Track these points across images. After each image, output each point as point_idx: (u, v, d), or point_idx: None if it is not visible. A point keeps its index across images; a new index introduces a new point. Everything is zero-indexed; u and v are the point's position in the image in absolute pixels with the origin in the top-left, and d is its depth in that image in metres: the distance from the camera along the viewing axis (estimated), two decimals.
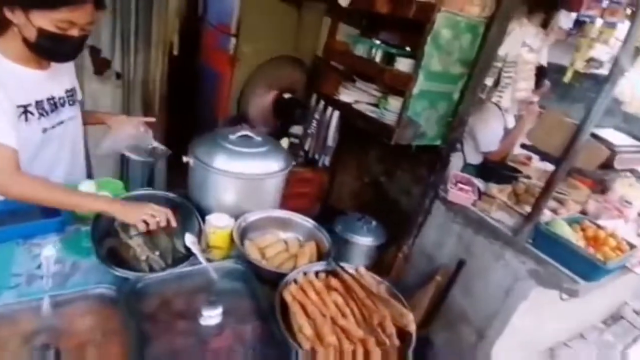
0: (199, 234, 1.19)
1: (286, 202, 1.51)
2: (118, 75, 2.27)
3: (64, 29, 1.05)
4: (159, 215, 1.08)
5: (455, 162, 2.09)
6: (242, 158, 1.29)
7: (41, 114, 1.17)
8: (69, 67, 1.32)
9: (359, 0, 2.20)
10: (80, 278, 1.03)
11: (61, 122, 1.26)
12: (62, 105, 1.26)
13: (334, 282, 1.07)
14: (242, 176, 1.27)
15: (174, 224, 1.12)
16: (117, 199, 1.21)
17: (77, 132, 1.37)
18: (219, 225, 1.18)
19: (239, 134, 1.38)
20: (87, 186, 1.32)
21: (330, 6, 2.47)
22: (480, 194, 1.94)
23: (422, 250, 2.10)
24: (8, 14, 1.02)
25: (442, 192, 2.00)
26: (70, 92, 1.30)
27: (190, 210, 1.29)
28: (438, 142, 2.09)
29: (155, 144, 1.43)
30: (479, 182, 1.98)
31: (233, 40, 2.95)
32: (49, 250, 0.90)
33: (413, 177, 2.47)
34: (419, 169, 2.39)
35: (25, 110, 1.12)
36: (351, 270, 1.13)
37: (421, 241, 2.11)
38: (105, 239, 1.14)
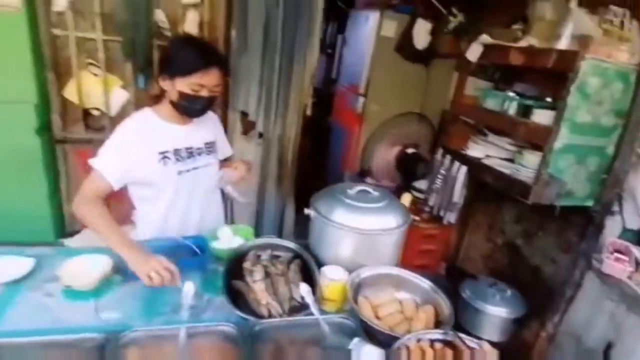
0: (315, 285, 1.23)
1: (409, 258, 1.47)
2: (260, 135, 2.61)
3: (196, 91, 1.34)
4: (163, 273, 1.10)
5: (611, 227, 1.75)
6: (359, 212, 1.31)
7: (177, 159, 1.44)
8: (213, 125, 1.61)
9: (489, 54, 2.14)
10: (213, 314, 1.15)
11: (196, 168, 1.51)
12: (199, 154, 1.51)
13: (449, 355, 0.97)
14: (359, 231, 1.29)
15: (177, 283, 1.12)
16: (139, 248, 1.20)
17: (211, 176, 1.58)
18: (333, 278, 1.20)
19: (358, 188, 1.42)
20: (225, 231, 1.51)
21: (459, 61, 2.45)
22: (638, 265, 1.57)
23: (569, 329, 1.75)
24: (161, 82, 1.37)
25: (596, 261, 1.67)
26: (209, 145, 1.56)
27: (308, 260, 1.34)
28: (589, 203, 1.79)
29: (230, 189, 1.59)
30: (637, 251, 1.61)
31: (362, 99, 3.16)
32: (189, 285, 1.04)
33: (558, 242, 2.14)
34: (566, 234, 2.06)
35: (164, 156, 1.41)
36: (473, 345, 1.01)
37: (568, 319, 1.77)
38: (235, 280, 1.26)
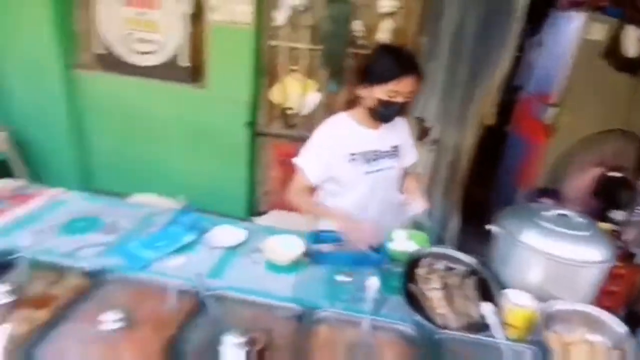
0: (496, 306, 1.16)
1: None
2: (434, 141, 2.58)
3: (392, 97, 1.40)
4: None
5: None
6: (557, 238, 1.18)
7: (365, 161, 1.54)
8: (401, 129, 1.66)
9: None
10: (388, 311, 1.21)
11: (380, 170, 1.58)
12: (384, 157, 1.58)
13: None
14: (557, 259, 1.16)
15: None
16: (352, 218, 1.47)
17: (392, 179, 1.66)
18: (519, 303, 1.11)
19: (556, 211, 1.27)
20: (399, 234, 1.55)
21: None
22: None
23: None
24: (359, 89, 1.47)
25: None
26: (395, 148, 1.62)
27: (488, 278, 1.28)
28: None
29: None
30: None
31: (552, 109, 2.80)
32: (374, 280, 1.12)
33: None
34: None
35: (354, 157, 1.52)
36: None
37: None
38: (409, 283, 1.29)
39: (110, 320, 0.92)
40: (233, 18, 2.46)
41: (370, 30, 2.39)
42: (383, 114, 1.48)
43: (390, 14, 2.29)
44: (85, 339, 0.92)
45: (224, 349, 0.88)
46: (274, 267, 1.39)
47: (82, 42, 2.87)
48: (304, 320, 1.07)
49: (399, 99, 1.42)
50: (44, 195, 1.65)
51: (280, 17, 2.41)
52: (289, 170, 2.78)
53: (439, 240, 2.78)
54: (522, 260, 1.24)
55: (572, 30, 2.70)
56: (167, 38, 2.71)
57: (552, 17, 3.08)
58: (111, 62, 2.84)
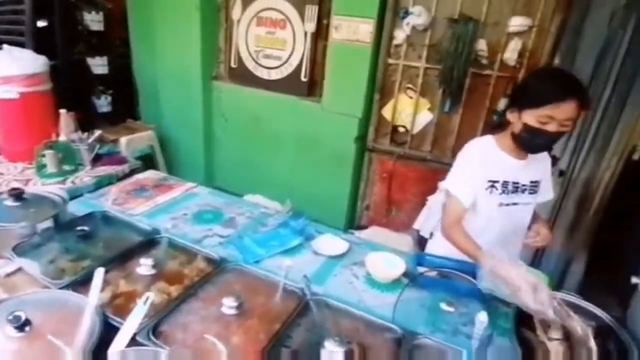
0: None
1: None
2: (561, 173, 2.32)
3: (543, 124, 1.24)
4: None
5: None
6: None
7: (503, 192, 1.43)
8: (543, 165, 1.51)
9: None
10: (493, 351, 1.11)
11: (515, 204, 1.46)
12: (523, 192, 1.46)
13: None
14: None
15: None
16: (494, 257, 1.25)
17: (525, 217, 1.51)
18: None
19: None
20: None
21: None
22: None
23: None
24: (509, 114, 1.36)
25: None
26: (535, 184, 1.47)
27: (626, 341, 1.09)
28: None
29: None
30: None
31: None
32: (484, 316, 1.04)
33: None
34: None
35: (492, 185, 1.42)
36: None
37: None
38: (522, 327, 1.17)
39: (228, 305, 1.02)
40: (354, 37, 2.56)
41: (495, 49, 2.26)
42: (530, 142, 1.33)
43: (519, 33, 2.15)
44: (206, 317, 1.03)
45: (324, 353, 0.91)
46: (373, 282, 1.39)
47: (221, 57, 3.26)
48: (404, 344, 1.04)
49: (551, 128, 1.25)
50: (181, 187, 1.91)
51: (400, 35, 2.43)
52: (392, 187, 2.78)
53: (557, 286, 2.48)
54: None
55: None
56: (291, 55, 2.93)
57: None
58: (241, 75, 3.18)
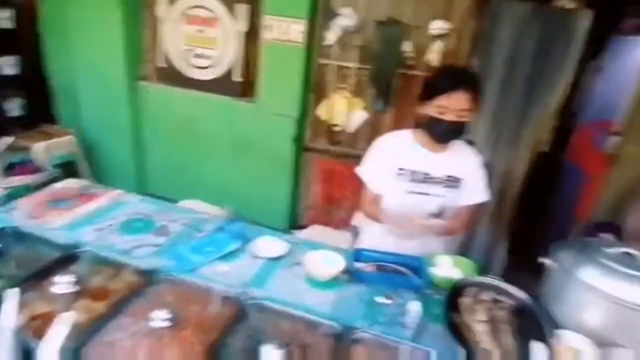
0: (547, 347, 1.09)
1: None
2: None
3: (441, 113, 1.36)
4: None
5: None
6: (621, 279, 1.10)
7: (411, 180, 1.51)
8: (468, 164, 1.55)
9: None
10: (427, 338, 1.17)
11: (426, 194, 1.52)
12: (436, 183, 1.52)
13: None
14: (618, 301, 1.07)
15: None
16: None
17: (440, 210, 1.55)
18: (575, 347, 1.04)
19: (619, 249, 1.19)
20: (444, 259, 1.51)
21: None
22: None
23: None
24: (418, 109, 1.45)
25: None
26: (451, 178, 1.53)
27: (540, 316, 1.20)
28: None
29: None
30: None
31: (615, 138, 2.63)
32: (417, 305, 1.09)
33: None
34: None
35: (401, 173, 1.51)
36: None
37: None
38: (453, 312, 1.25)
39: (159, 318, 0.96)
40: (286, 37, 2.56)
41: (420, 51, 2.39)
42: (432, 132, 1.44)
43: (441, 36, 2.29)
44: (136, 333, 0.97)
45: (263, 358, 0.90)
46: (313, 281, 1.39)
47: (147, 56, 3.09)
48: (342, 340, 1.06)
49: (449, 117, 1.36)
50: (106, 196, 1.78)
51: (331, 36, 2.48)
52: (331, 185, 2.83)
53: (483, 271, 2.67)
54: (579, 300, 1.16)
55: (637, 55, 2.55)
56: (223, 54, 2.86)
57: (614, 42, 2.94)
58: (171, 75, 3.03)
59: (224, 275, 1.25)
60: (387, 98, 2.50)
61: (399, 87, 2.49)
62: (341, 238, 2.31)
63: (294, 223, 3.09)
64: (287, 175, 2.93)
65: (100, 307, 1.04)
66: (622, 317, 1.09)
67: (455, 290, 1.32)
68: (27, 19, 2.94)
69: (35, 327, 0.96)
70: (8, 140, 1.97)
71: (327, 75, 2.62)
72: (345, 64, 2.56)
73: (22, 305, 0.99)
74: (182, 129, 3.10)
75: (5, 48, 2.78)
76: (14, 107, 2.90)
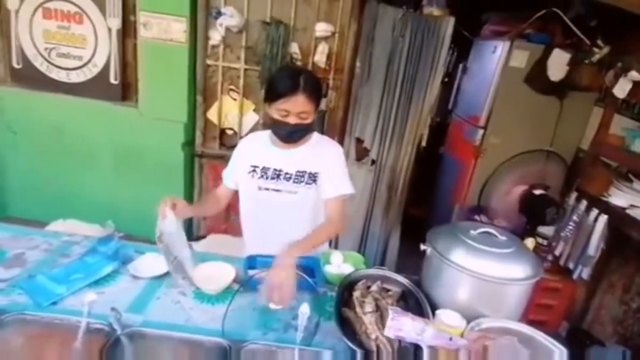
0: None
1: (524, 311, 1.31)
2: (372, 162, 2.64)
3: (283, 116, 1.38)
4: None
5: None
6: (483, 257, 1.22)
7: (262, 176, 1.52)
8: (324, 157, 1.52)
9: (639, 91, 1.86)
10: (321, 338, 1.17)
11: (278, 190, 1.52)
12: (287, 179, 1.51)
13: None
14: (482, 276, 1.19)
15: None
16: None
17: (298, 206, 1.55)
18: (450, 324, 1.13)
19: (481, 229, 1.33)
20: (336, 255, 1.53)
21: (603, 96, 2.18)
22: None
23: None
24: (265, 109, 1.46)
25: None
26: (301, 173, 1.52)
27: (420, 299, 1.29)
28: None
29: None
30: None
31: (480, 131, 2.99)
32: (305, 308, 1.08)
33: None
34: None
35: (253, 169, 1.52)
36: None
37: None
38: (345, 307, 1.27)
39: None
40: (167, 36, 2.39)
41: (307, 52, 2.42)
42: (277, 133, 1.45)
43: (325, 38, 2.35)
44: None
45: None
46: (203, 296, 1.31)
47: None
48: (231, 354, 1.00)
49: (291, 120, 1.37)
50: None
51: (216, 36, 2.38)
52: None
53: (379, 262, 2.84)
54: (450, 280, 1.27)
55: (495, 57, 2.92)
56: (94, 54, 2.56)
57: (475, 45, 3.34)
58: (30, 77, 2.62)
59: (91, 304, 1.09)
60: None
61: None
62: (240, 245, 2.23)
63: (191, 234, 2.91)
64: (180, 183, 2.74)
65: None
66: (485, 290, 1.22)
67: (347, 285, 1.35)
68: None
69: None
70: None
71: (215, 76, 2.50)
72: (233, 65, 2.48)
73: None
74: (50, 140, 2.70)
75: None
76: None
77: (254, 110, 2.58)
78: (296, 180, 1.51)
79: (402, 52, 2.35)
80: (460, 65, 3.65)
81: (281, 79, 1.39)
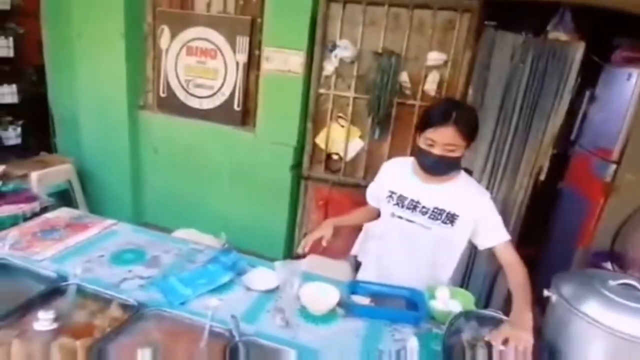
0: None
1: None
2: None
3: (429, 146, 1.36)
4: None
5: None
6: (623, 312, 1.06)
7: (397, 204, 1.51)
8: (469, 203, 1.44)
9: None
10: None
11: (411, 221, 1.49)
12: (423, 213, 1.47)
13: None
14: (621, 334, 1.03)
15: None
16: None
17: (427, 242, 1.50)
18: None
19: (622, 280, 1.15)
20: (443, 291, 1.46)
21: None
22: None
23: None
24: (417, 139, 1.45)
25: None
26: (439, 212, 1.46)
27: (542, 349, 1.15)
28: None
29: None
30: None
31: (613, 166, 2.63)
32: (414, 342, 1.04)
33: None
34: None
35: (391, 195, 1.53)
36: None
37: None
38: (452, 348, 1.20)
39: (143, 357, 0.92)
40: (285, 67, 2.61)
41: (416, 81, 2.43)
42: (421, 163, 1.44)
43: (436, 67, 2.33)
44: None
45: None
46: (308, 315, 1.35)
47: (148, 86, 3.14)
48: None
49: (436, 150, 1.35)
50: (97, 226, 1.75)
51: (329, 67, 2.52)
52: (328, 214, 2.80)
53: (483, 302, 2.61)
54: (580, 333, 1.11)
55: (630, 86, 2.58)
56: (222, 84, 2.90)
57: (606, 72, 2.98)
58: (171, 105, 3.07)
59: (215, 310, 1.20)
60: (384, 127, 2.52)
61: (396, 116, 2.51)
62: (339, 268, 2.26)
63: (290, 252, 3.04)
64: (286, 204, 2.91)
65: (81, 345, 0.99)
66: (623, 349, 1.04)
67: (454, 324, 1.27)
68: (29, 48, 3.01)
69: None
70: (0, 167, 1.94)
71: (326, 104, 2.64)
72: (343, 94, 2.59)
73: None
74: (181, 158, 3.11)
75: (5, 76, 2.82)
76: (11, 136, 2.92)
77: (360, 137, 2.64)
78: (432, 217, 1.48)
79: (522, 79, 2.20)
80: (587, 93, 3.28)
81: (436, 109, 1.40)
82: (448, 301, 1.43)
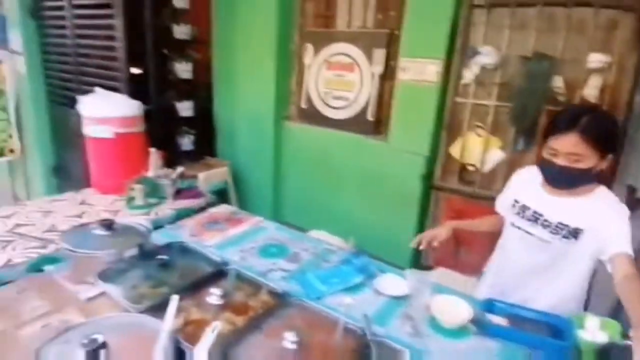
0: None
1: None
2: None
3: (552, 155, 1.28)
4: None
5: None
6: None
7: (518, 213, 1.48)
8: (598, 216, 1.30)
9: None
10: None
11: (530, 234, 1.42)
12: (544, 226, 1.39)
13: None
14: None
15: None
16: None
17: (545, 257, 1.42)
18: None
19: None
20: (592, 320, 1.27)
21: None
22: None
23: None
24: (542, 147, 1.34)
25: None
26: (562, 227, 1.35)
27: None
28: None
29: None
30: None
31: None
32: None
33: None
34: None
35: (514, 204, 1.51)
36: None
37: None
38: None
39: (289, 339, 1.04)
40: (421, 77, 2.60)
41: (572, 86, 2.15)
42: (544, 174, 1.37)
43: (599, 70, 2.03)
44: (268, 350, 1.07)
45: None
46: (437, 327, 1.33)
47: (292, 99, 3.48)
48: None
49: (560, 161, 1.26)
50: (249, 222, 2.03)
51: (468, 75, 2.42)
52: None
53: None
54: None
55: None
56: (358, 95, 3.03)
57: None
58: (310, 115, 3.34)
59: (347, 307, 1.28)
60: (530, 137, 2.29)
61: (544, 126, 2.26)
62: (469, 284, 2.15)
63: (417, 262, 2.99)
64: (414, 212, 2.88)
65: (240, 320, 1.17)
66: None
67: (602, 357, 1.11)
68: (202, 70, 3.63)
69: (188, 332, 1.11)
70: (179, 169, 2.42)
71: (463, 113, 2.54)
72: (483, 102, 2.45)
73: (180, 310, 1.16)
74: (316, 164, 3.36)
75: (185, 94, 3.46)
76: (187, 143, 3.55)
77: (500, 147, 2.46)
78: (554, 231, 1.39)
79: None
80: None
81: (562, 114, 1.31)
82: (596, 332, 1.25)
